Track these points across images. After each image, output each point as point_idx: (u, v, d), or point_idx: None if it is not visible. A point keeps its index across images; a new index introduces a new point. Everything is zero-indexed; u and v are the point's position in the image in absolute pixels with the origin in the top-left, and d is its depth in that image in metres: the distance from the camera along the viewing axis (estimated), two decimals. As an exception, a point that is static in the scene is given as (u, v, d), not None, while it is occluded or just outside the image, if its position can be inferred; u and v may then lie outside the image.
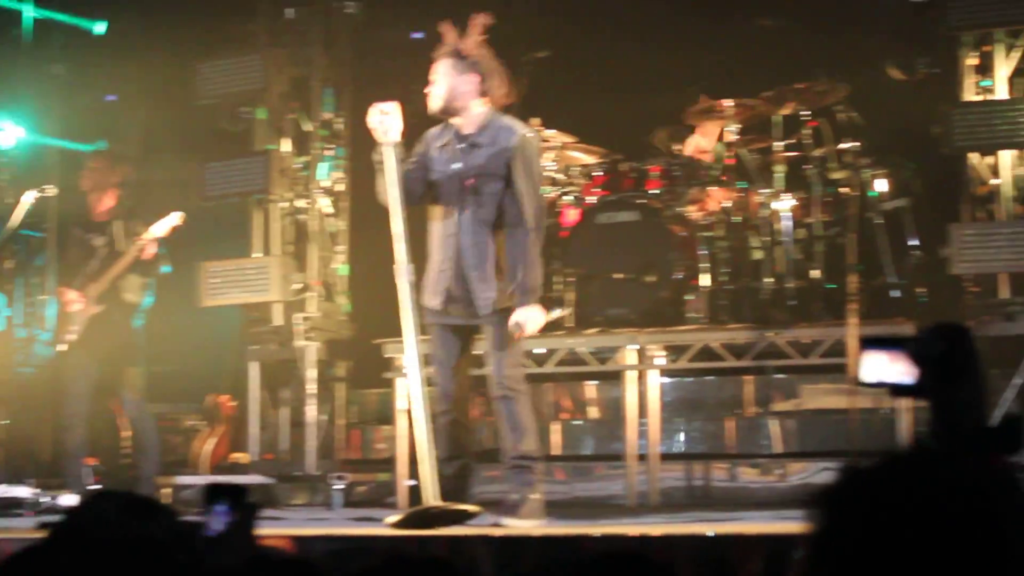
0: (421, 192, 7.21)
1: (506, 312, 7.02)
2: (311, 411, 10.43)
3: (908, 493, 2.15)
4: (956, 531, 2.10)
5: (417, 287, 7.13)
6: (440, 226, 7.18)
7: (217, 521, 3.41)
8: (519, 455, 7.11)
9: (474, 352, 7.52)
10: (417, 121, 7.30)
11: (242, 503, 3.47)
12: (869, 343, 2.80)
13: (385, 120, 6.99)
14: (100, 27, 11.84)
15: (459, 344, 7.32)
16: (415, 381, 7.02)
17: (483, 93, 7.09)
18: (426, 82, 7.22)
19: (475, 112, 7.10)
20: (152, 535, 3.11)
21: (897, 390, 2.76)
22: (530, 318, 6.98)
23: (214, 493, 3.47)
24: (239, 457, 10.61)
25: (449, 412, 7.27)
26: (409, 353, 7.02)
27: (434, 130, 7.27)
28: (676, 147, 10.05)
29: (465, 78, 7.06)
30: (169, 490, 10.08)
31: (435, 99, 7.10)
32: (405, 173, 7.08)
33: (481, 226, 7.06)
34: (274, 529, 7.03)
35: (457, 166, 7.08)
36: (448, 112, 7.12)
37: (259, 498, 9.62)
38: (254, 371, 10.63)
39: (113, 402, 9.91)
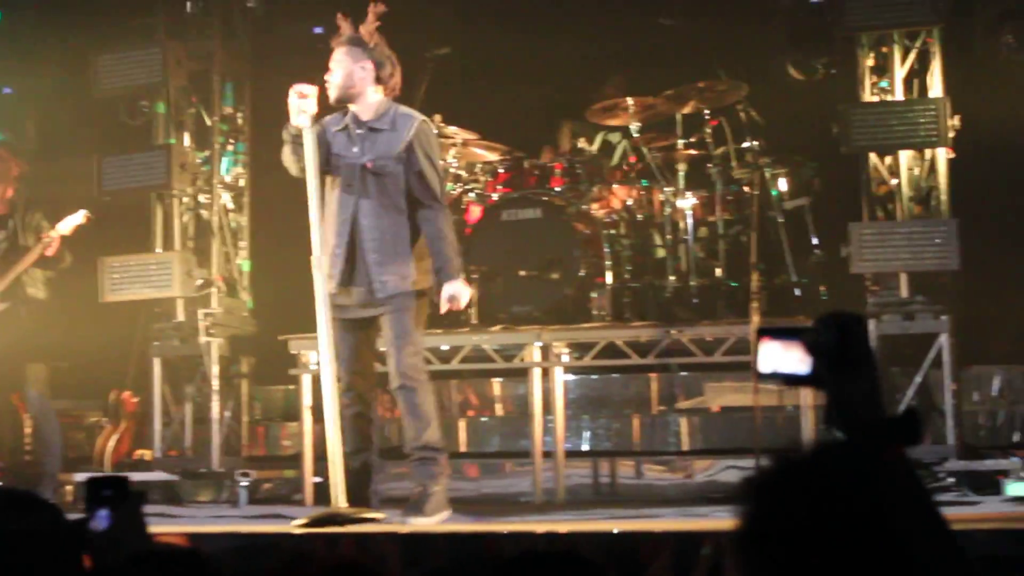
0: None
1: (402, 298, 7.11)
2: (215, 407, 10.35)
3: (804, 489, 2.18)
4: (849, 524, 2.13)
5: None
6: (336, 211, 7.23)
7: (101, 517, 3.36)
8: (421, 445, 7.15)
9: (379, 349, 7.52)
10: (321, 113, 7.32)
11: (125, 496, 3.41)
12: (765, 333, 2.81)
13: (303, 103, 7.04)
14: (-6, 18, 11.70)
15: (359, 337, 7.35)
16: (327, 377, 7.00)
17: (378, 80, 7.20)
18: (321, 78, 7.25)
19: (371, 100, 7.23)
20: (34, 530, 3.07)
21: (792, 380, 2.78)
22: (461, 291, 7.14)
23: (95, 487, 3.42)
24: (143, 454, 10.53)
25: (353, 405, 7.29)
26: (322, 347, 7.01)
27: (331, 116, 7.36)
28: (580, 143, 10.07)
29: (360, 65, 7.17)
30: (71, 487, 9.98)
31: (332, 87, 7.23)
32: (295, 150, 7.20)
33: (384, 210, 7.16)
34: (177, 526, 6.98)
35: (356, 150, 7.19)
36: (345, 99, 7.24)
37: (161, 495, 9.64)
38: (157, 367, 10.54)
39: (15, 398, 9.80)
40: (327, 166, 7.25)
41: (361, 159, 7.17)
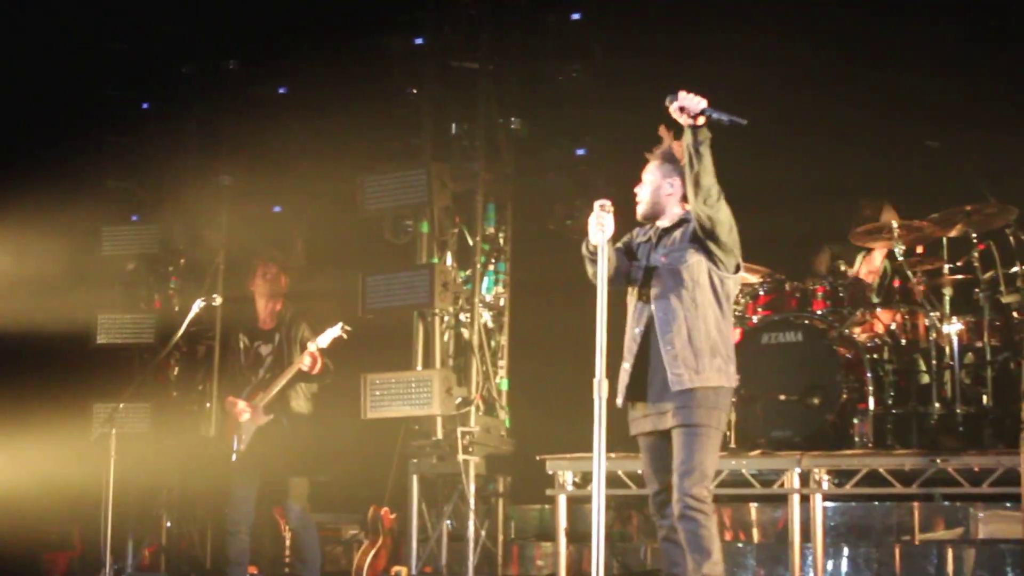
0: (617, 270, 6.87)
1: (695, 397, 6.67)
2: (471, 526, 10.40)
3: None
4: None
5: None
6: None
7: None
8: None
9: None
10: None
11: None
12: None
13: (603, 217, 6.50)
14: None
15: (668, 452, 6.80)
16: (599, 501, 6.66)
17: (684, 199, 6.91)
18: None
19: (673, 214, 6.96)
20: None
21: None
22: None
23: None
24: (399, 570, 10.58)
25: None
26: (596, 472, 6.68)
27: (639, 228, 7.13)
28: (842, 267, 9.95)
29: (669, 181, 6.94)
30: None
31: (640, 203, 7.00)
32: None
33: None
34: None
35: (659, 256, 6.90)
36: (650, 216, 6.98)
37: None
38: (415, 484, 10.65)
39: (277, 511, 9.98)
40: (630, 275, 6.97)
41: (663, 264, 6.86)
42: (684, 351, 6.65)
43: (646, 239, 6.99)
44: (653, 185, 6.94)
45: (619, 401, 6.80)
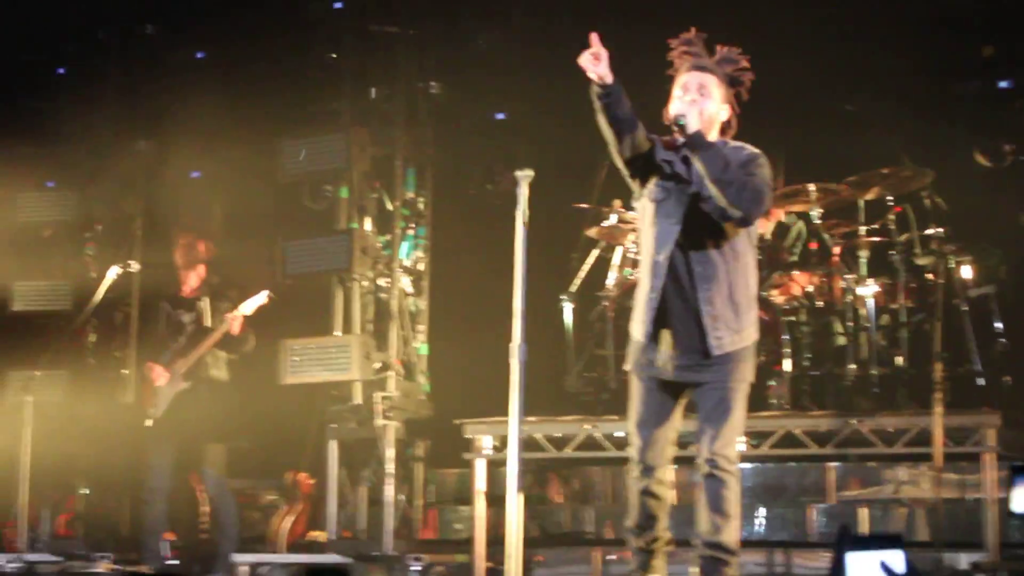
0: (640, 154, 6.16)
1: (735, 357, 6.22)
2: (389, 490, 10.38)
3: None
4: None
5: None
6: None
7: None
8: (715, 543, 6.21)
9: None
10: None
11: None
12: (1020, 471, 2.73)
13: (597, 59, 5.88)
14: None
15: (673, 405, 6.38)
16: (513, 464, 6.41)
17: (723, 130, 6.32)
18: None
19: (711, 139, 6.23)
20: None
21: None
22: None
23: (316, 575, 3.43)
24: (317, 535, 10.58)
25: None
26: (512, 435, 6.43)
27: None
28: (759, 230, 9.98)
29: (725, 108, 6.31)
30: (246, 568, 10.06)
31: (692, 117, 6.10)
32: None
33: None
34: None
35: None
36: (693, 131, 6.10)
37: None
38: (333, 449, 10.63)
39: (193, 477, 9.94)
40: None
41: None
42: (725, 310, 6.15)
43: (671, 158, 6.25)
44: (715, 106, 6.22)
45: (641, 335, 6.24)
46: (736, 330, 6.20)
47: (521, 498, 5.99)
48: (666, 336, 6.23)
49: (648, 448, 6.33)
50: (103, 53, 12.68)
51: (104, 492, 11.71)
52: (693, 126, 6.05)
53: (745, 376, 6.27)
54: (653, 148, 6.21)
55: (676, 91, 6.23)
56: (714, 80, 6.24)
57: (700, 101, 6.18)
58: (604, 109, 5.99)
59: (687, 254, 6.17)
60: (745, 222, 6.14)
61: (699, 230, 6.15)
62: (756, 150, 6.22)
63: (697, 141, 6.05)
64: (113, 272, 9.79)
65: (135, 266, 9.93)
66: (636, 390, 6.39)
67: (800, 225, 10.02)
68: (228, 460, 9.77)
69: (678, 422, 6.39)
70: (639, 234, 6.46)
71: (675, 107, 6.17)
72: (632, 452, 6.39)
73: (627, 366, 6.44)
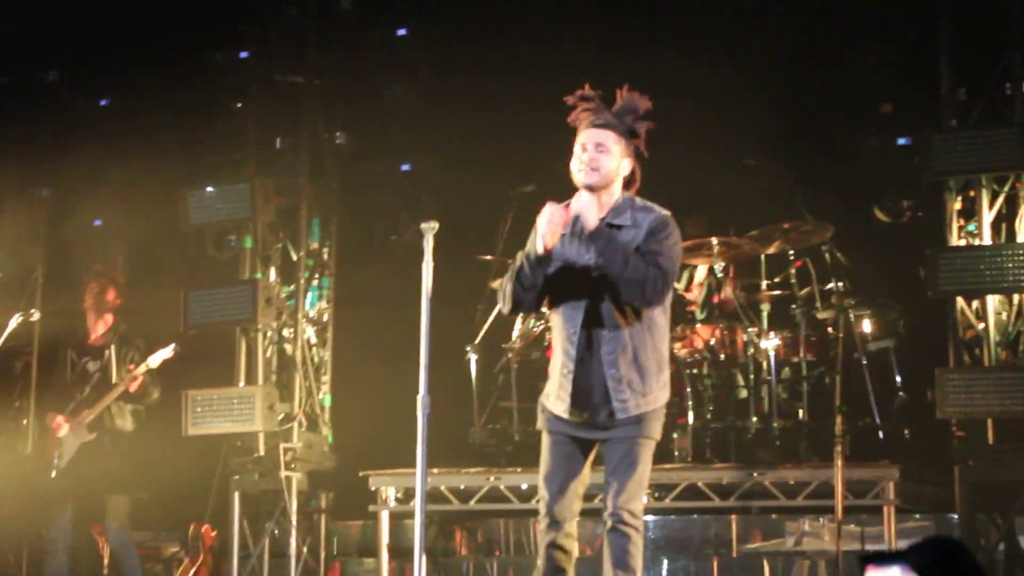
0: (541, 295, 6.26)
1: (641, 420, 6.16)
2: (293, 542, 10.32)
3: None
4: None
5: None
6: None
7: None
8: None
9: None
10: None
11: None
12: (869, 560, 2.78)
13: (553, 225, 5.97)
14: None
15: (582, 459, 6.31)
16: (420, 515, 6.30)
17: (627, 184, 6.23)
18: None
19: (611, 196, 6.17)
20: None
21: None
22: None
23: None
24: (220, 587, 10.49)
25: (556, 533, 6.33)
26: (419, 487, 6.33)
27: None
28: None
29: (627, 161, 6.19)
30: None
31: (594, 175, 6.08)
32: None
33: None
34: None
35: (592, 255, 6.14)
36: (595, 189, 6.07)
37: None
38: (236, 501, 10.55)
39: (95, 529, 9.83)
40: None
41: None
42: (629, 373, 6.09)
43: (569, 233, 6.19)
44: (614, 162, 6.14)
45: (562, 411, 6.18)
46: (642, 393, 6.13)
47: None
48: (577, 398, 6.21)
49: (556, 502, 6.27)
50: (4, 100, 12.56)
51: (3, 542, 11.52)
52: (592, 223, 5.99)
53: (652, 433, 6.22)
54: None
55: (576, 148, 6.20)
56: (612, 136, 6.16)
57: (598, 159, 6.13)
58: (531, 270, 6.05)
59: (594, 316, 6.13)
60: (649, 306, 6.10)
61: (604, 295, 6.10)
62: (664, 213, 6.18)
63: (595, 236, 6.01)
64: (15, 321, 9.68)
65: (36, 314, 9.81)
66: (545, 443, 6.35)
67: (708, 278, 10.13)
68: (130, 512, 9.66)
69: (586, 476, 6.34)
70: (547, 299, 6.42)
71: (576, 175, 6.14)
72: (540, 505, 6.35)
73: (539, 425, 6.40)
